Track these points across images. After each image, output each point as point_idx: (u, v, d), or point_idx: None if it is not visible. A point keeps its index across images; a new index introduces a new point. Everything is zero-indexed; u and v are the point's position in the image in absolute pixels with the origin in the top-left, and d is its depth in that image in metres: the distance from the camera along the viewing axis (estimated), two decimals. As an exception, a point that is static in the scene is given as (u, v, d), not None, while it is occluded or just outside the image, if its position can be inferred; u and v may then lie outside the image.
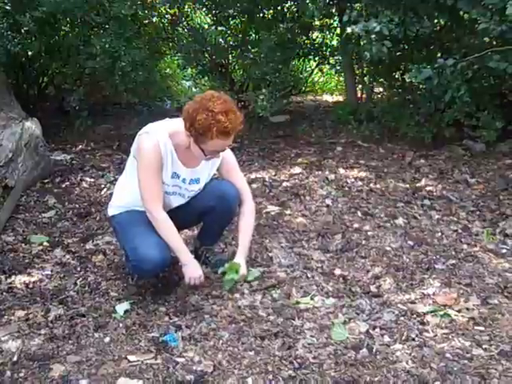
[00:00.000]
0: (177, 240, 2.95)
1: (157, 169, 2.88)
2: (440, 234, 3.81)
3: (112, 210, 3.14)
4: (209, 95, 2.79)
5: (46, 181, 4.86)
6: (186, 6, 6.81)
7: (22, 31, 5.58)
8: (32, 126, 4.98)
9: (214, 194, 3.09)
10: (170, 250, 2.92)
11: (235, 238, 3.70)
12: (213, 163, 3.09)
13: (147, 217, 2.93)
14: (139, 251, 2.83)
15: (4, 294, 3.08)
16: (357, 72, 6.62)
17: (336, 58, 6.67)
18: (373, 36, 4.72)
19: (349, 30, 4.94)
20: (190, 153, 2.92)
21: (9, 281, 3.22)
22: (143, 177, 2.88)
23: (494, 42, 4.96)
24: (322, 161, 5.39)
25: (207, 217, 3.20)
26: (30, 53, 5.86)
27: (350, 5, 5.30)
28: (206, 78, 7.72)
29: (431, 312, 2.85)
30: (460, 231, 3.86)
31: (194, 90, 8.45)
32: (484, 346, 2.57)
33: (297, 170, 5.14)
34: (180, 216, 3.05)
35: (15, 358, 2.52)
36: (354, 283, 3.17)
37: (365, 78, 6.63)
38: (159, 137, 2.86)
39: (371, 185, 4.73)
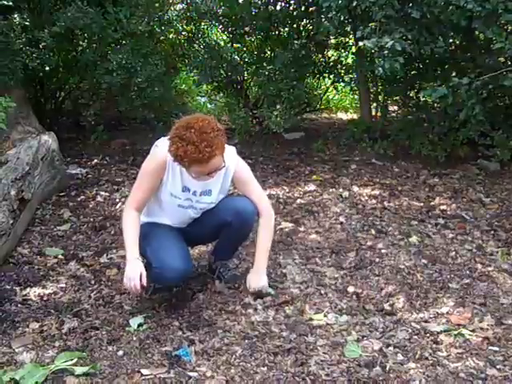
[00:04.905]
0: (130, 237, 2.90)
1: (151, 179, 2.93)
2: (454, 253, 3.80)
3: None
4: (184, 122, 2.74)
5: (61, 194, 4.90)
6: (203, 23, 6.89)
7: (40, 46, 5.66)
8: (49, 139, 5.04)
9: (230, 209, 3.08)
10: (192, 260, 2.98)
11: (249, 253, 3.71)
12: (225, 176, 3.07)
13: (169, 227, 3.03)
14: (164, 259, 2.87)
15: (19, 305, 3.10)
16: (371, 90, 6.64)
17: (351, 75, 6.70)
18: (385, 52, 4.73)
19: (361, 44, 4.96)
20: None
21: (24, 293, 3.25)
22: (137, 180, 2.98)
23: (509, 62, 4.97)
24: (336, 178, 5.40)
25: (224, 232, 3.17)
26: (47, 68, 5.93)
27: (363, 22, 5.33)
28: (222, 95, 7.78)
29: (445, 331, 2.84)
30: (474, 250, 3.84)
31: (209, 105, 8.52)
32: (498, 367, 2.56)
33: (311, 187, 5.15)
34: (196, 231, 3.07)
35: (29, 370, 2.53)
36: (368, 301, 3.17)
37: (379, 97, 6.64)
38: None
39: (385, 203, 4.73)
